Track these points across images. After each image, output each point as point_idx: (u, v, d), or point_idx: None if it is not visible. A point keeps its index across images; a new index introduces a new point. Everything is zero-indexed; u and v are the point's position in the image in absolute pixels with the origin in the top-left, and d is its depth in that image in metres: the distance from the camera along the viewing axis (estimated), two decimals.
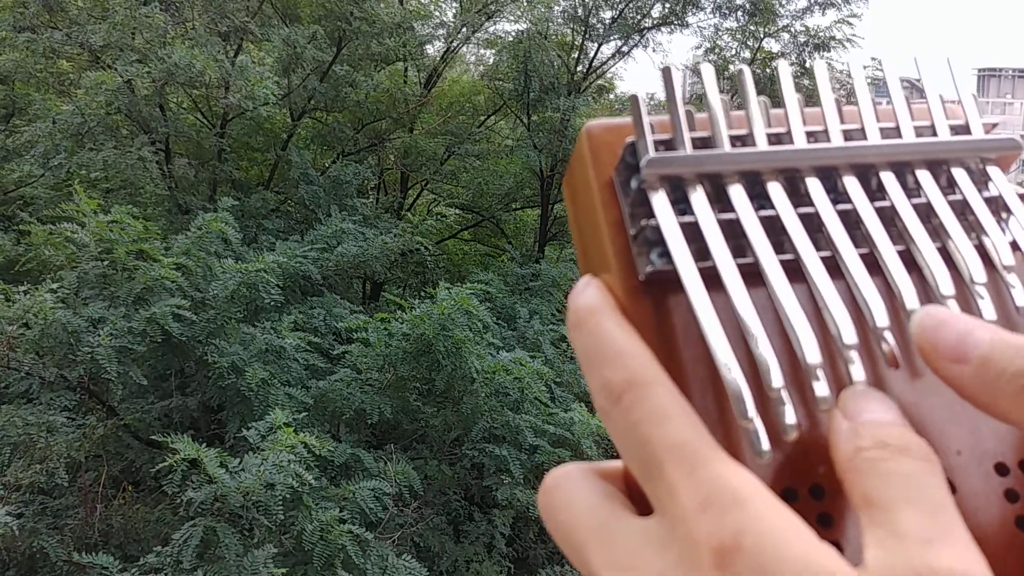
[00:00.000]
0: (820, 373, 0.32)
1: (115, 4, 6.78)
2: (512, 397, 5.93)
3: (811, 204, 0.37)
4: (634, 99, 0.37)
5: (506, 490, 5.70)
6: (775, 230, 0.36)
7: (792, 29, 9.71)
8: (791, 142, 0.38)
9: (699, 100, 0.38)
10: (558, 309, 8.11)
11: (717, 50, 9.90)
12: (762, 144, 0.37)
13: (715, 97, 0.37)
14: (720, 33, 10.01)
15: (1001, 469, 0.34)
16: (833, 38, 9.44)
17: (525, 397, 5.93)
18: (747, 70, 0.38)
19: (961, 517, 0.28)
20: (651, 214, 0.35)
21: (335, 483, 5.16)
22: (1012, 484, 0.34)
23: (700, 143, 0.37)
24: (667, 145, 0.36)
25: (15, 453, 4.97)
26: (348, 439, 5.71)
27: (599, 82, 10.73)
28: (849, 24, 9.47)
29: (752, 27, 9.83)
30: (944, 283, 0.35)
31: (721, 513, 0.28)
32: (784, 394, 0.32)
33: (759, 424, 0.31)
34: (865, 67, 0.43)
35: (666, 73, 0.37)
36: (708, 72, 0.38)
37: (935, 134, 0.39)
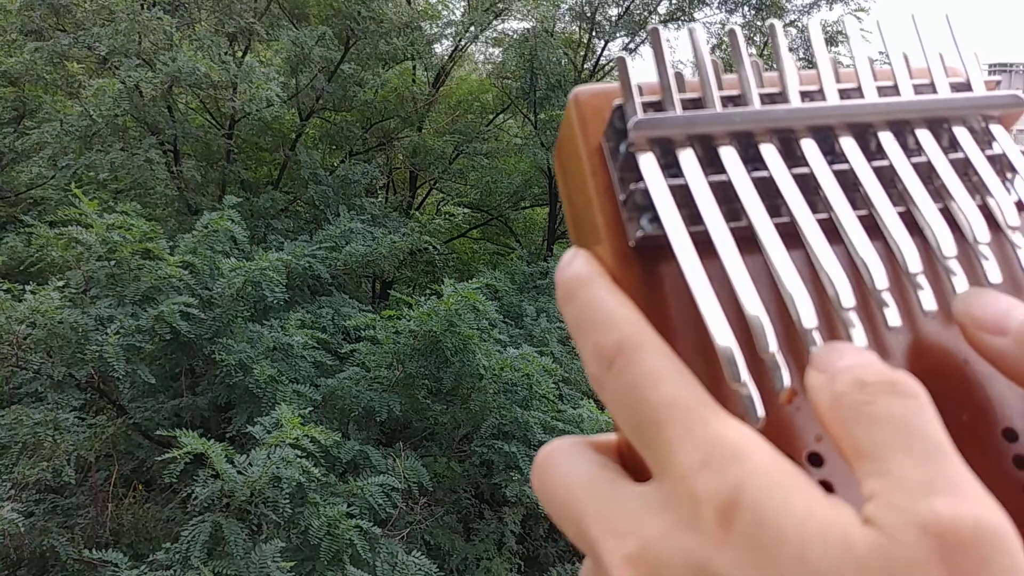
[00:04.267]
0: (816, 337, 0.31)
1: (118, 10, 6.79)
2: (520, 394, 5.92)
3: (806, 165, 0.36)
4: (620, 61, 0.36)
5: (515, 487, 5.70)
6: (769, 192, 0.35)
7: (799, 24, 9.68)
8: (785, 102, 0.37)
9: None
10: None
11: (723, 46, 9.87)
12: (755, 104, 0.36)
13: (705, 56, 0.36)
14: (726, 29, 9.98)
15: (1009, 434, 0.33)
16: (840, 32, 9.41)
17: (533, 394, 5.92)
18: (738, 30, 0.37)
19: (962, 459, 0.26)
20: (640, 178, 0.34)
21: (343, 479, 5.17)
22: (1021, 450, 0.33)
23: (690, 104, 0.36)
24: (656, 107, 0.35)
25: (24, 452, 4.98)
26: (357, 437, 5.71)
27: (606, 79, 10.72)
28: (857, 18, 9.44)
29: (759, 22, 9.80)
30: (947, 244, 0.34)
31: (721, 469, 0.27)
32: (779, 358, 0.31)
33: (753, 389, 0.31)
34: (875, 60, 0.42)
35: (653, 34, 0.36)
36: (698, 31, 0.37)
37: (935, 92, 0.38)
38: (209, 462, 4.30)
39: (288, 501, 4.39)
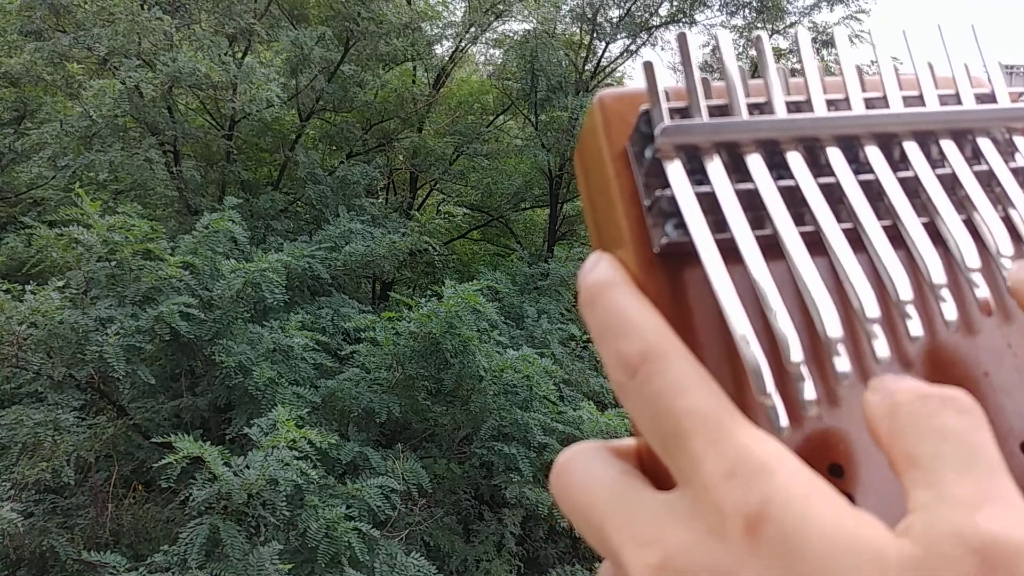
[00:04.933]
0: (841, 348, 0.31)
1: (118, 11, 6.78)
2: (521, 395, 5.91)
3: (832, 174, 0.35)
4: (648, 65, 0.35)
5: (515, 488, 5.69)
6: (795, 201, 0.35)
7: (800, 25, 9.68)
8: (811, 110, 0.36)
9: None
10: (567, 308, 8.10)
11: (717, 51, 9.86)
12: (781, 112, 0.36)
13: (732, 63, 0.36)
14: (728, 30, 9.98)
15: None
16: (855, 36, 9.41)
17: (534, 395, 5.92)
18: (765, 36, 0.37)
19: (1013, 480, 0.26)
20: (666, 184, 0.34)
21: (342, 481, 5.16)
22: None
23: (717, 111, 0.36)
24: (683, 113, 0.35)
25: (24, 452, 4.98)
26: (357, 438, 5.71)
27: (607, 81, 10.72)
28: (857, 20, 9.45)
29: (759, 24, 9.80)
30: (970, 256, 0.34)
31: (748, 482, 0.27)
32: (804, 369, 0.31)
33: (777, 400, 0.30)
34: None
35: (681, 39, 0.36)
36: (725, 38, 0.37)
37: (960, 102, 0.38)
38: (206, 465, 4.30)
39: (286, 503, 4.38)
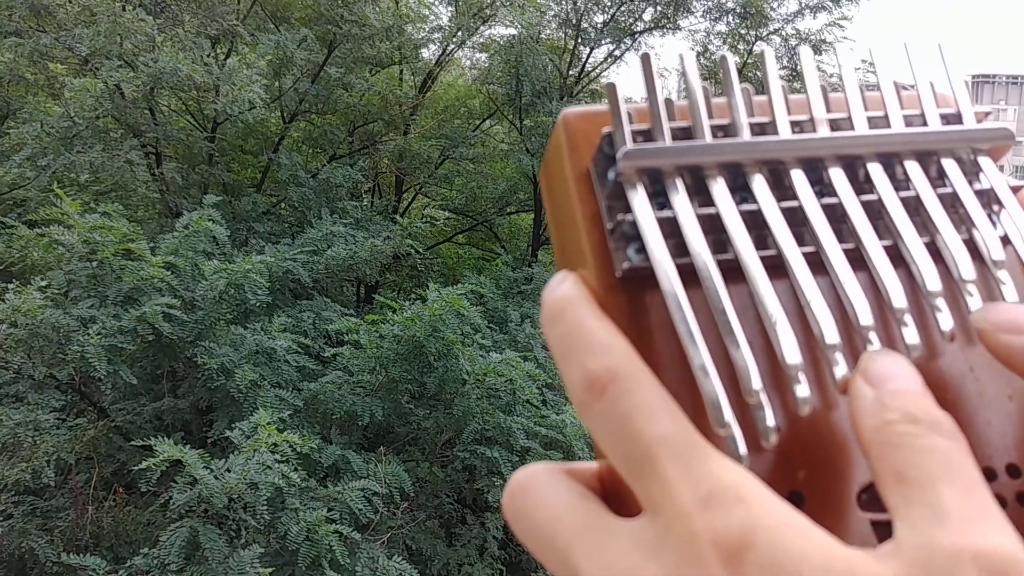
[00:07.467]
0: (800, 376, 0.31)
1: (100, 11, 6.75)
2: (504, 399, 5.91)
3: (795, 198, 0.35)
4: (611, 87, 0.35)
5: (497, 492, 5.68)
6: (757, 225, 0.35)
7: (783, 32, 9.73)
8: (775, 132, 0.36)
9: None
10: None
11: (708, 54, 9.91)
12: (745, 135, 0.36)
13: (696, 85, 0.36)
14: (711, 37, 10.03)
15: (1012, 471, 0.33)
16: (824, 41, 9.46)
17: (517, 399, 5.91)
18: (730, 56, 0.37)
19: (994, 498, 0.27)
20: (628, 208, 0.34)
21: (324, 484, 5.15)
22: (997, 489, 0.33)
23: (680, 133, 0.35)
24: (646, 136, 0.35)
25: (3, 453, 4.94)
26: (339, 441, 5.70)
27: (591, 86, 10.74)
28: (840, 27, 9.50)
29: (743, 31, 9.84)
30: (931, 280, 0.34)
31: (726, 510, 0.26)
32: (763, 397, 0.31)
33: (736, 430, 0.30)
34: (857, 68, 0.42)
35: (645, 60, 0.36)
36: (689, 58, 0.37)
37: (925, 123, 0.38)
38: (187, 467, 4.28)
39: (267, 506, 4.36)
